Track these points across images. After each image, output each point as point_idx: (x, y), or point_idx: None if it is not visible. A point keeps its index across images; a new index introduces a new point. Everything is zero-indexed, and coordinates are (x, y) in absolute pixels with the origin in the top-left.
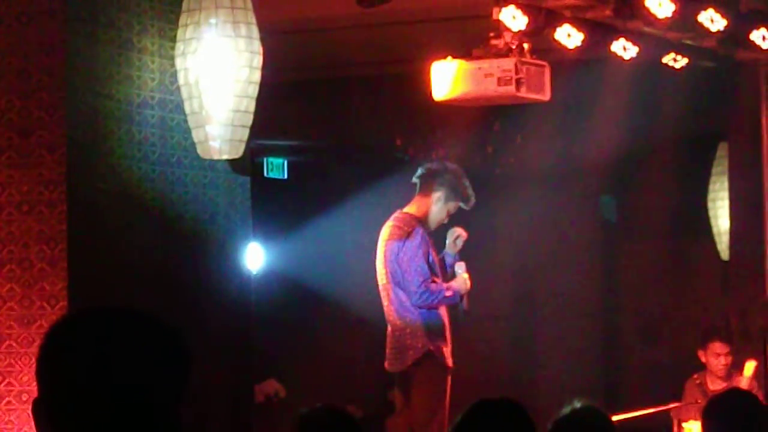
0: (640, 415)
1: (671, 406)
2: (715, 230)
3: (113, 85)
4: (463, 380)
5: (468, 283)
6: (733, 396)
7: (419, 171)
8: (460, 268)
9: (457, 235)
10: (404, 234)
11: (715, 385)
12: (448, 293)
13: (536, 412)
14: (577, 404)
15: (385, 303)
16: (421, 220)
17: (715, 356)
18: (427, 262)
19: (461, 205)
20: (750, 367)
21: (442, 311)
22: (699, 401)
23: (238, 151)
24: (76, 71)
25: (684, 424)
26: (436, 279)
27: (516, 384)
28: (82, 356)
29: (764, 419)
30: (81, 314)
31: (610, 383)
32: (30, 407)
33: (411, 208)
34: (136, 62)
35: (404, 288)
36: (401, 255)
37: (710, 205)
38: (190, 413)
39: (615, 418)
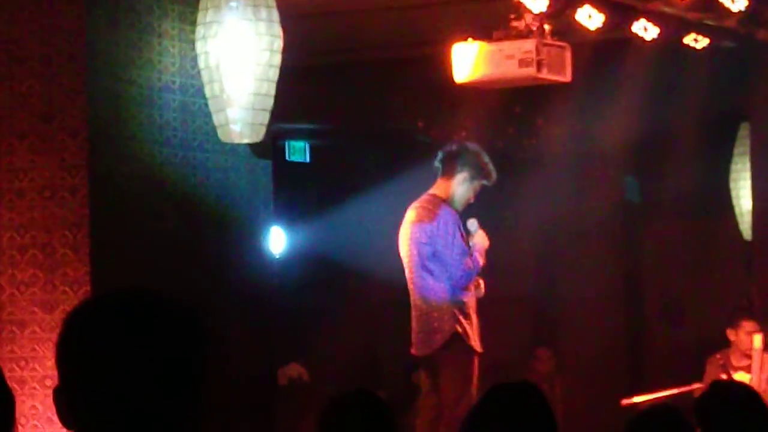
0: (663, 396)
1: (694, 386)
2: (737, 210)
3: (134, 70)
4: (485, 362)
5: (486, 238)
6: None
7: (440, 154)
8: (473, 225)
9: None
10: (433, 216)
11: (741, 362)
12: (481, 259)
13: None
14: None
15: (409, 286)
16: (447, 202)
17: (747, 334)
18: (463, 240)
19: (484, 182)
20: (758, 339)
21: (469, 292)
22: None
23: (258, 135)
24: (97, 56)
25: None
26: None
27: None
28: (101, 341)
29: (761, 414)
30: (99, 299)
31: (633, 364)
32: (52, 393)
33: (435, 191)
34: (157, 46)
35: (436, 270)
36: (437, 238)
37: (732, 185)
38: (213, 397)
39: (637, 399)
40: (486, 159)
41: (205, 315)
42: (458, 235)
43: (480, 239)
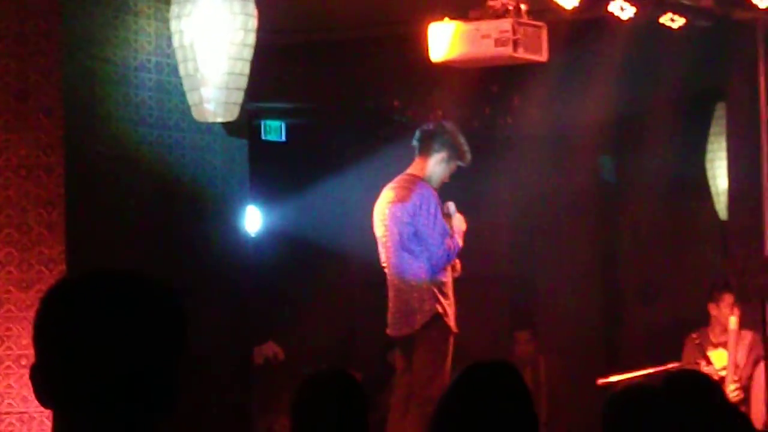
0: (639, 376)
1: (670, 366)
2: (713, 190)
3: (110, 49)
4: (462, 341)
5: (464, 221)
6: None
7: (417, 133)
8: (452, 208)
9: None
10: (413, 194)
11: (720, 338)
12: (460, 241)
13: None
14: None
15: (387, 266)
16: (425, 180)
17: (730, 307)
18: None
19: (460, 163)
20: (733, 320)
21: (446, 271)
22: (698, 361)
23: (232, 114)
24: (73, 34)
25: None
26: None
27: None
28: (78, 320)
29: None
30: (76, 278)
31: (609, 344)
32: (29, 371)
33: (413, 170)
34: (133, 25)
35: (416, 250)
36: (419, 217)
37: (708, 165)
38: (189, 376)
39: (614, 378)
40: (462, 140)
41: (181, 294)
42: (439, 213)
43: (458, 222)
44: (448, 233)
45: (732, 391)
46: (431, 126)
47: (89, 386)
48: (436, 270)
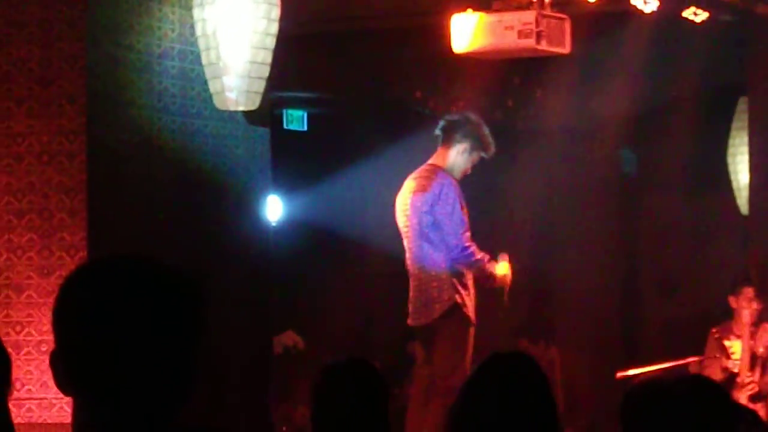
0: (659, 369)
1: (690, 360)
2: (734, 184)
3: (134, 36)
4: (481, 333)
5: (509, 276)
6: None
7: (441, 123)
8: (503, 258)
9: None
10: (433, 184)
11: (741, 330)
12: (488, 268)
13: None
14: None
15: (408, 256)
16: (446, 171)
17: (748, 301)
18: (463, 211)
19: (482, 154)
20: (746, 314)
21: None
22: (717, 356)
23: (254, 103)
24: (97, 21)
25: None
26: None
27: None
28: (97, 306)
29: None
30: (96, 264)
31: (628, 337)
32: (49, 358)
33: (435, 160)
34: (157, 13)
35: (435, 240)
36: (437, 206)
37: (730, 159)
38: (209, 364)
39: (633, 371)
40: (486, 131)
41: (201, 281)
42: (458, 205)
43: (500, 270)
44: (467, 227)
45: (746, 384)
46: (455, 116)
47: (108, 372)
48: (453, 264)
